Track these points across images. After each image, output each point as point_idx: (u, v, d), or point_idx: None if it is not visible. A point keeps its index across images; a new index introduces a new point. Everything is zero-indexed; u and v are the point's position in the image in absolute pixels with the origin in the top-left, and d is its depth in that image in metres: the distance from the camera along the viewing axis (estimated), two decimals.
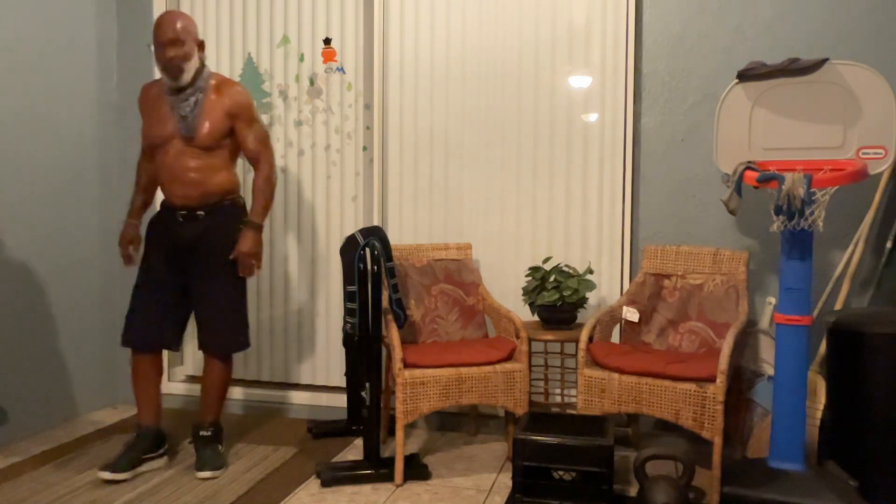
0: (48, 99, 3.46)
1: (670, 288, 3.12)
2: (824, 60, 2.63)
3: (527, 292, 3.19)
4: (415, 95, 3.57)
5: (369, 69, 3.65)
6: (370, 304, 2.90)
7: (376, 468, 2.86)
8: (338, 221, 3.74)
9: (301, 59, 3.73)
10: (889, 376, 2.45)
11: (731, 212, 2.64)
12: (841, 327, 2.58)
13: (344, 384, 3.67)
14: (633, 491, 2.76)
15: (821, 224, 2.42)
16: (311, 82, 3.72)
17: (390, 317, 3.03)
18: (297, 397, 3.73)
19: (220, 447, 3.02)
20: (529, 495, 2.59)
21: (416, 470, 2.89)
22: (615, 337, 3.22)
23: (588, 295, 3.23)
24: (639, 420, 3.25)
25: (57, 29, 3.50)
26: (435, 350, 2.98)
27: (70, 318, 3.60)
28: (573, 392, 3.39)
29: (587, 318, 3.18)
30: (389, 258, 3.09)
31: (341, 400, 3.64)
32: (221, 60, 3.83)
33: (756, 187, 2.59)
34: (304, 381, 3.80)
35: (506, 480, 2.87)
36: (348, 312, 3.13)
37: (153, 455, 3.00)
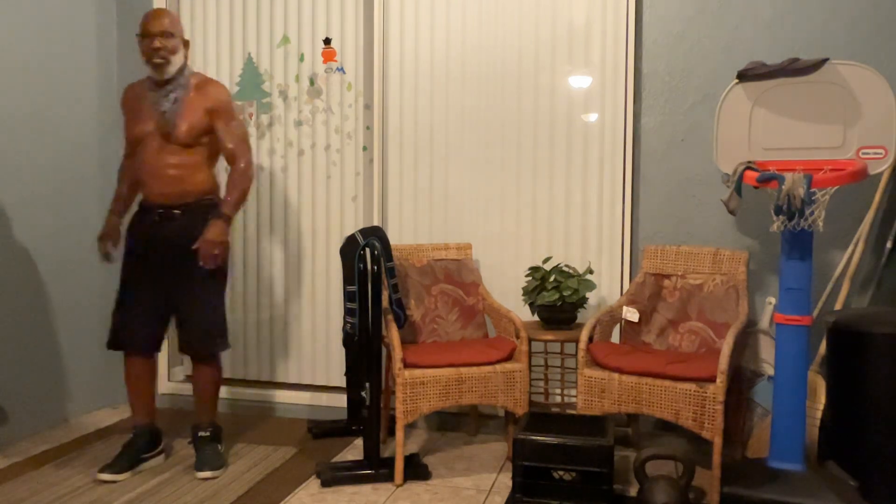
0: (48, 99, 3.46)
1: (670, 288, 3.12)
2: (824, 60, 2.63)
3: (527, 292, 3.19)
4: (415, 95, 3.57)
5: (369, 69, 3.65)
6: (370, 304, 2.90)
7: (376, 468, 2.86)
8: (338, 221, 3.74)
9: (301, 59, 3.73)
10: (889, 376, 2.45)
11: (731, 212, 2.64)
12: (841, 327, 2.58)
13: (344, 384, 3.67)
14: (633, 491, 2.76)
15: (821, 224, 2.42)
16: (311, 82, 3.72)
17: (390, 317, 3.03)
18: (297, 397, 3.73)
19: (219, 447, 3.02)
20: (529, 495, 2.59)
21: (416, 470, 2.89)
22: (615, 337, 3.22)
23: (588, 295, 3.23)
24: (639, 420, 3.25)
25: (57, 29, 3.50)
26: (435, 350, 2.98)
27: (70, 318, 3.60)
28: (573, 392, 3.39)
29: (587, 318, 3.18)
30: (389, 258, 3.09)
31: (341, 400, 3.64)
32: (221, 60, 3.83)
33: (756, 187, 2.59)
34: (304, 381, 3.80)
35: (506, 480, 2.87)
36: (348, 312, 3.13)
37: (150, 454, 3.00)
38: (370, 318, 2.90)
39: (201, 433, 2.99)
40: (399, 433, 2.81)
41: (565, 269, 3.20)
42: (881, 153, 2.57)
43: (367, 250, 2.96)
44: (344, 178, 3.71)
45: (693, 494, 2.73)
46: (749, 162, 2.66)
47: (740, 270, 3.01)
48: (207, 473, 2.87)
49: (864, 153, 2.59)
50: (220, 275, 2.97)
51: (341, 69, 3.68)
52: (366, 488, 2.80)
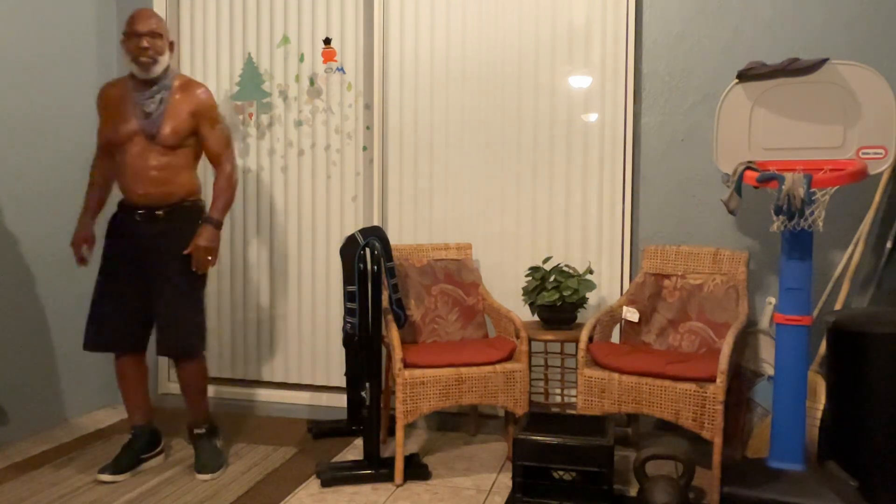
0: (48, 99, 3.46)
1: (670, 288, 3.12)
2: (824, 60, 2.63)
3: (527, 292, 3.19)
4: (415, 95, 3.57)
5: (369, 69, 3.65)
6: (370, 304, 2.90)
7: (376, 468, 2.86)
8: (338, 221, 3.74)
9: (301, 59, 3.73)
10: (889, 376, 2.45)
11: (731, 212, 2.64)
12: (841, 327, 2.57)
13: (344, 384, 3.67)
14: (633, 491, 2.76)
15: (821, 224, 2.42)
16: (311, 82, 3.72)
17: (390, 317, 3.03)
18: (297, 397, 3.73)
19: (217, 443, 3.03)
20: (529, 495, 2.59)
21: (416, 470, 2.89)
22: (615, 337, 3.22)
23: (588, 295, 3.23)
24: (639, 420, 3.25)
25: (57, 29, 3.50)
26: (435, 350, 2.98)
27: (70, 319, 3.60)
28: (573, 392, 3.39)
29: (587, 318, 3.18)
30: (389, 258, 3.09)
31: (341, 400, 3.64)
32: (221, 60, 3.83)
33: (756, 187, 2.59)
34: (305, 381, 3.80)
35: (506, 480, 2.87)
36: (348, 312, 3.12)
37: (150, 454, 3.01)
38: (370, 318, 2.90)
39: (196, 430, 2.99)
40: (399, 433, 2.81)
41: (565, 269, 3.20)
42: (881, 153, 2.57)
43: (367, 250, 2.96)
44: (344, 178, 3.72)
45: (693, 494, 2.73)
46: (749, 162, 2.66)
47: (740, 270, 3.01)
48: (207, 476, 2.86)
49: (864, 153, 2.59)
50: (199, 277, 2.94)
51: (341, 69, 3.68)
52: (366, 488, 2.80)
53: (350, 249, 3.08)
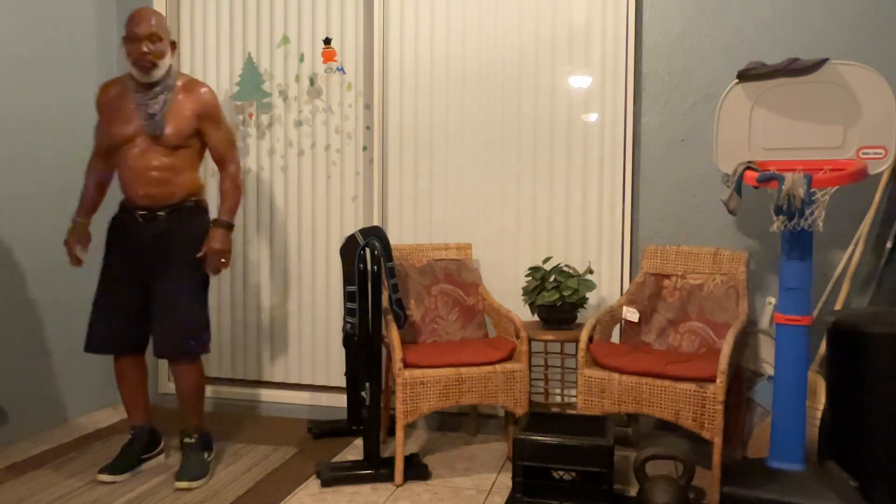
0: (48, 99, 3.46)
1: (670, 288, 3.12)
2: (824, 60, 2.63)
3: (527, 292, 3.19)
4: (415, 95, 3.57)
5: (369, 69, 3.65)
6: (370, 304, 2.90)
7: (376, 468, 2.86)
8: (338, 221, 3.74)
9: (301, 59, 3.73)
10: (889, 376, 2.45)
11: (731, 212, 2.64)
12: (841, 327, 2.58)
13: (344, 384, 3.67)
14: (633, 491, 2.76)
15: (821, 224, 2.42)
16: (311, 82, 3.72)
17: (390, 317, 3.03)
18: (297, 397, 3.73)
19: (205, 455, 2.94)
20: (529, 495, 2.59)
21: (416, 470, 2.89)
22: (615, 337, 3.22)
23: (588, 295, 3.23)
24: (639, 420, 3.26)
25: (57, 29, 3.50)
26: (435, 350, 2.98)
27: (70, 319, 3.60)
28: (573, 392, 3.39)
29: (587, 318, 3.18)
30: (389, 258, 3.09)
31: (341, 400, 3.64)
32: (221, 60, 3.83)
33: (756, 187, 2.59)
34: (304, 381, 3.80)
35: (506, 480, 2.87)
36: (348, 312, 3.13)
37: (150, 455, 2.99)
38: (370, 318, 2.90)
39: (186, 440, 2.93)
40: (399, 433, 2.81)
41: (565, 269, 3.20)
42: (881, 153, 2.57)
43: (367, 250, 2.96)
44: (344, 178, 3.72)
45: (693, 494, 2.73)
46: (749, 162, 2.66)
47: (740, 270, 3.01)
48: (184, 484, 2.77)
49: (864, 153, 2.59)
50: (202, 278, 2.91)
51: (341, 69, 3.68)
52: (366, 488, 2.80)
53: (350, 249, 3.09)
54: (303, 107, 3.74)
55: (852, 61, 2.62)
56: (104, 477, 2.83)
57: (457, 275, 3.35)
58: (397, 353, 2.82)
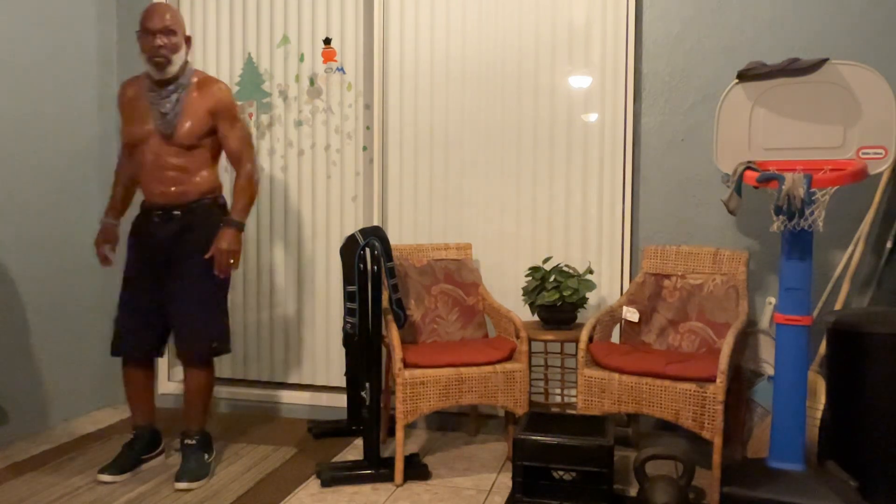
0: (48, 99, 3.46)
1: (670, 288, 3.12)
2: (824, 60, 2.63)
3: (527, 292, 3.19)
4: (415, 95, 3.57)
5: (369, 69, 3.65)
6: (370, 304, 2.90)
7: (376, 468, 2.86)
8: (338, 221, 3.74)
9: (301, 59, 3.73)
10: (889, 376, 2.45)
11: (731, 212, 2.64)
12: (841, 327, 2.58)
13: (344, 384, 3.67)
14: (633, 491, 2.76)
15: (821, 224, 2.42)
16: (311, 82, 3.72)
17: (390, 317, 3.03)
18: (297, 397, 3.73)
19: (205, 456, 2.93)
20: (529, 495, 2.58)
21: (416, 470, 2.89)
22: (615, 337, 3.22)
23: (588, 295, 3.23)
24: (639, 420, 3.25)
25: (57, 29, 3.50)
26: (435, 350, 2.98)
27: (70, 319, 3.60)
28: (573, 392, 3.39)
29: (587, 318, 3.18)
30: (389, 258, 3.09)
31: (341, 400, 3.64)
32: (221, 60, 3.83)
33: (756, 187, 2.59)
34: (305, 381, 3.80)
35: (506, 480, 2.87)
36: (348, 312, 3.13)
37: (150, 455, 2.99)
38: (370, 318, 2.90)
39: (187, 441, 2.92)
40: (399, 433, 2.81)
41: (565, 269, 3.20)
42: (881, 153, 2.57)
43: (367, 250, 2.96)
44: (344, 178, 3.72)
45: (693, 494, 2.73)
46: (749, 162, 2.66)
47: (740, 270, 3.01)
48: (184, 485, 2.77)
49: (864, 153, 2.59)
50: (220, 279, 2.89)
51: (341, 69, 3.68)
52: (366, 488, 2.80)
53: (350, 249, 3.09)
54: (303, 107, 3.74)
55: (852, 61, 2.62)
56: (104, 477, 2.83)
57: (457, 275, 3.35)
58: (397, 353, 2.82)
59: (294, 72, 3.74)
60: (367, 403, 2.88)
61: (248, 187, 2.87)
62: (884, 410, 2.46)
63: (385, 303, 3.07)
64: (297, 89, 3.74)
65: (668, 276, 3.14)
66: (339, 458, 3.10)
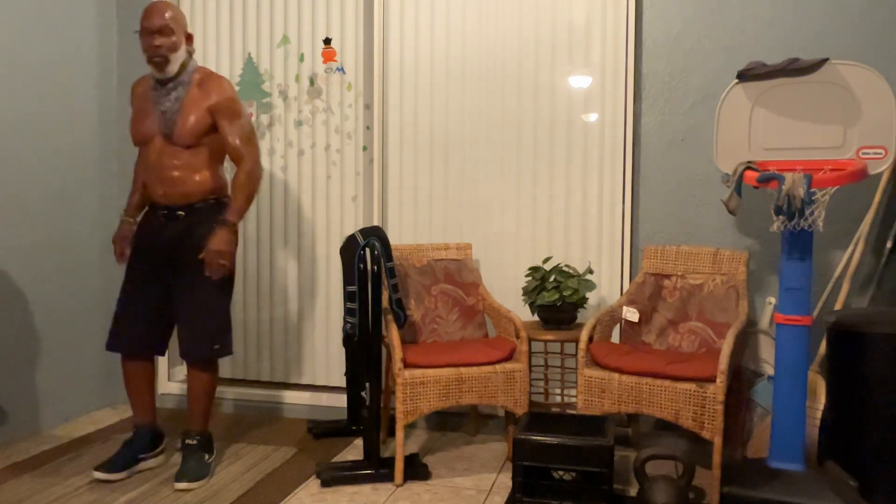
0: (48, 100, 3.46)
1: (670, 288, 3.12)
2: (824, 60, 2.63)
3: (527, 292, 3.19)
4: (415, 95, 3.57)
5: (369, 69, 3.65)
6: (370, 304, 2.90)
7: (376, 468, 2.86)
8: (338, 221, 3.74)
9: (301, 59, 3.73)
10: (889, 376, 2.45)
11: (731, 212, 2.64)
12: (841, 327, 2.57)
13: (344, 384, 3.67)
14: (633, 491, 2.76)
15: (821, 224, 2.42)
16: (311, 82, 3.72)
17: (390, 317, 3.03)
18: (297, 397, 3.73)
19: (206, 456, 2.93)
20: (529, 495, 2.59)
21: (416, 470, 2.89)
22: (615, 337, 3.22)
23: (588, 295, 3.23)
24: (639, 420, 3.25)
25: (57, 28, 3.50)
26: (435, 350, 2.98)
27: (70, 319, 3.60)
28: (573, 392, 3.39)
29: (587, 318, 3.18)
30: (389, 258, 3.09)
31: (341, 400, 3.64)
32: (221, 60, 3.83)
33: (756, 187, 2.59)
34: (304, 381, 3.81)
35: (506, 480, 2.87)
36: (348, 312, 3.13)
37: (149, 454, 2.97)
38: (370, 318, 2.90)
39: (188, 441, 2.91)
40: (399, 433, 2.81)
41: (565, 269, 3.20)
42: (881, 153, 2.57)
43: (367, 250, 2.96)
44: (344, 178, 3.72)
45: (693, 494, 2.73)
46: (749, 162, 2.66)
47: (740, 270, 3.01)
48: (184, 485, 2.76)
49: (864, 153, 2.59)
50: (222, 280, 2.88)
51: (341, 69, 3.68)
52: (366, 488, 2.80)
53: (350, 249, 3.09)
54: (303, 107, 3.74)
55: (852, 61, 2.62)
56: (99, 474, 2.81)
57: (457, 275, 3.35)
58: (397, 353, 2.82)
59: (294, 72, 3.74)
60: (367, 403, 2.88)
61: (247, 185, 2.82)
62: (884, 410, 2.46)
63: (385, 303, 3.07)
64: (297, 89, 3.74)
65: (668, 276, 3.14)
66: (339, 458, 3.10)
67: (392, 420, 3.29)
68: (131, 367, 2.95)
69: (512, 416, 3.09)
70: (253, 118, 3.80)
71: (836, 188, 2.43)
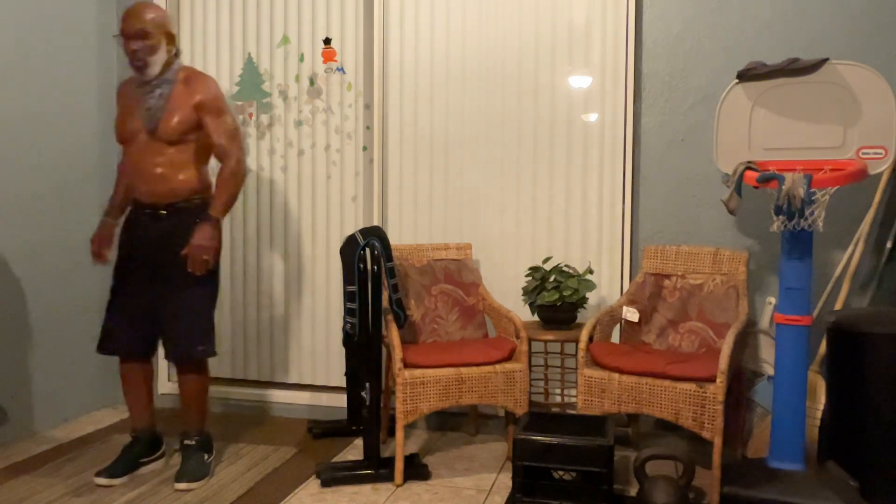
0: (48, 99, 3.46)
1: (670, 288, 3.12)
2: (824, 60, 2.63)
3: (527, 292, 3.19)
4: (415, 95, 3.57)
5: (369, 69, 3.65)
6: (370, 304, 2.90)
7: (376, 468, 2.86)
8: (338, 221, 3.74)
9: (301, 59, 3.73)
10: (889, 376, 2.45)
11: (731, 212, 2.64)
12: (841, 327, 2.57)
13: (344, 384, 3.67)
14: (633, 491, 2.76)
15: (821, 224, 2.42)
16: (311, 82, 3.72)
17: (390, 317, 3.03)
18: (297, 397, 3.73)
19: (205, 456, 2.92)
20: (529, 495, 2.59)
21: (416, 470, 2.89)
22: (615, 337, 3.22)
23: (588, 295, 3.23)
24: (639, 420, 3.25)
25: (57, 28, 3.50)
26: (435, 350, 2.98)
27: (70, 319, 3.60)
28: (573, 392, 3.39)
29: (587, 318, 3.18)
30: (389, 258, 3.09)
31: (341, 400, 3.64)
32: (221, 60, 3.83)
33: (756, 187, 2.59)
34: (304, 381, 3.80)
35: (506, 480, 2.87)
36: (348, 312, 3.13)
37: (150, 458, 2.97)
38: (370, 318, 2.90)
39: (186, 441, 2.91)
40: (399, 433, 2.81)
41: (565, 269, 3.20)
42: (881, 153, 2.57)
43: (367, 250, 2.96)
44: (344, 178, 3.72)
45: (693, 494, 2.73)
46: (749, 162, 2.66)
47: (740, 270, 3.01)
48: (183, 485, 2.76)
49: (864, 153, 2.59)
50: (208, 279, 2.85)
51: (341, 69, 3.68)
52: (366, 488, 2.80)
53: (350, 249, 3.08)
54: (303, 107, 3.74)
55: (852, 61, 2.62)
56: (101, 480, 2.81)
57: (457, 275, 3.35)
58: (397, 353, 2.82)
59: (294, 72, 3.74)
60: (367, 403, 2.88)
61: (231, 182, 2.80)
62: (884, 410, 2.46)
63: (385, 303, 3.07)
64: (297, 89, 3.74)
65: (668, 276, 3.14)
66: (339, 458, 3.10)
67: (392, 420, 3.29)
68: (128, 370, 2.94)
69: (512, 416, 3.09)
70: (253, 118, 3.80)
71: (836, 188, 2.43)
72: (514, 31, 3.44)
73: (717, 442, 2.54)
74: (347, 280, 3.08)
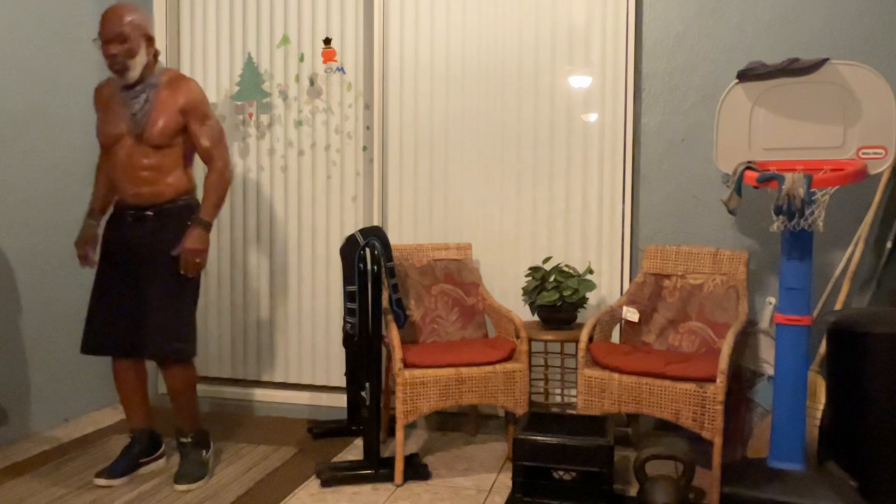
0: (48, 98, 3.46)
1: (670, 288, 3.12)
2: (824, 60, 2.63)
3: (527, 292, 3.19)
4: (415, 95, 3.57)
5: (369, 69, 3.65)
6: (370, 304, 2.90)
7: (376, 468, 2.86)
8: (338, 221, 3.74)
9: (301, 59, 3.73)
10: (889, 376, 2.45)
11: (731, 212, 2.64)
12: (841, 327, 2.58)
13: (344, 384, 3.67)
14: (633, 491, 2.76)
15: (821, 224, 2.42)
16: (311, 82, 3.72)
17: (390, 317, 3.03)
18: (297, 397, 3.73)
19: (203, 453, 2.92)
20: (529, 495, 2.59)
21: (416, 470, 2.89)
22: (615, 337, 3.22)
23: (588, 295, 3.23)
24: (639, 420, 3.26)
25: (57, 27, 3.50)
26: (435, 350, 2.99)
27: (70, 318, 3.60)
28: (573, 392, 3.39)
29: (587, 318, 3.18)
30: (389, 258, 3.09)
31: (341, 400, 3.64)
32: (221, 60, 3.83)
33: (756, 187, 2.59)
34: (304, 381, 3.80)
35: (506, 480, 2.87)
36: (348, 312, 3.13)
37: (149, 459, 2.97)
38: (370, 318, 2.90)
39: (182, 439, 2.91)
40: (399, 433, 2.81)
41: (565, 269, 3.20)
42: (881, 153, 2.57)
43: (367, 250, 2.96)
44: (344, 178, 3.72)
45: (693, 494, 2.73)
46: (749, 162, 2.67)
47: (740, 270, 3.01)
48: (183, 486, 2.76)
49: (864, 153, 2.59)
50: (190, 280, 2.85)
51: (341, 69, 3.68)
52: (366, 488, 2.80)
53: (350, 249, 3.08)
54: (303, 107, 3.74)
55: (852, 61, 2.62)
56: (101, 481, 2.81)
57: (457, 275, 3.35)
58: (397, 353, 2.82)
59: (294, 72, 3.74)
60: (367, 403, 2.88)
61: (219, 185, 2.83)
62: (884, 410, 2.46)
63: (385, 303, 3.07)
64: (297, 89, 3.74)
65: (668, 276, 3.14)
66: (339, 458, 3.10)
67: (392, 420, 3.29)
68: (118, 369, 2.93)
69: (512, 416, 3.09)
70: (253, 118, 3.80)
71: (836, 188, 2.44)
72: (514, 31, 3.44)
73: (717, 442, 2.54)
74: (347, 280, 3.08)
